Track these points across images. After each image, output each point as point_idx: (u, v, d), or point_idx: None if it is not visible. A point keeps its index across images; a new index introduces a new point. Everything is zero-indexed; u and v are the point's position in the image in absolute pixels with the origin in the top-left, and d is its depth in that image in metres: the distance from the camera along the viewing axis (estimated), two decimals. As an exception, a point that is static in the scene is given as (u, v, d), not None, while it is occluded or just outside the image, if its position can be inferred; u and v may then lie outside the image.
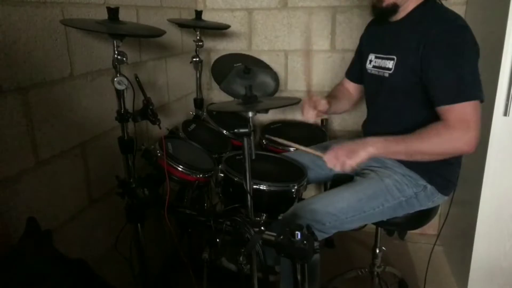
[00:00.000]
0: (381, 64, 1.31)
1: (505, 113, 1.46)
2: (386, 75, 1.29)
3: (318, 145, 1.66)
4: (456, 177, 1.32)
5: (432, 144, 1.14)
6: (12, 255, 0.81)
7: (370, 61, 1.38)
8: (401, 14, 1.26)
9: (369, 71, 1.39)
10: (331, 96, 1.56)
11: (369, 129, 1.44)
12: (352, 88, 1.59)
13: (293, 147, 1.43)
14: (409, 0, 1.23)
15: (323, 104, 1.38)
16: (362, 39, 1.52)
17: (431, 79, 1.16)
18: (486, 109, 1.49)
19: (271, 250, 1.03)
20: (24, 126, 1.05)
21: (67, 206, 1.23)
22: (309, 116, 1.38)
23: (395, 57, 1.26)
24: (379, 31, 1.36)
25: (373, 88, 1.39)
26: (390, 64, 1.27)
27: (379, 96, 1.35)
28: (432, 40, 1.14)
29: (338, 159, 1.18)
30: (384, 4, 1.24)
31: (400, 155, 1.22)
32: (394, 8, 1.24)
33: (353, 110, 2.12)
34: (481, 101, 1.13)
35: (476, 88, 1.12)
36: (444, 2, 1.25)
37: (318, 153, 1.27)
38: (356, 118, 2.14)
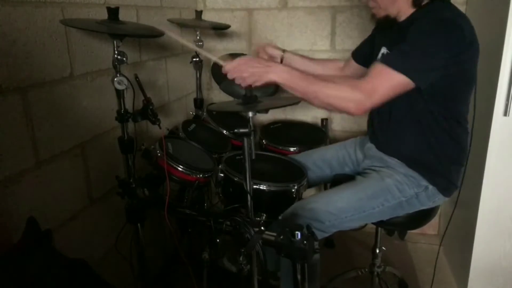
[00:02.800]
0: None
1: (505, 113, 1.46)
2: None
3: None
4: (459, 178, 1.31)
5: (329, 91, 1.12)
6: (12, 255, 0.81)
7: (382, 54, 1.37)
8: (403, 17, 1.26)
9: None
10: (308, 58, 1.56)
11: (375, 125, 1.43)
12: (351, 69, 1.55)
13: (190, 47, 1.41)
14: (401, 8, 1.23)
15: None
16: (377, 27, 1.47)
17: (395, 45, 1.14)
18: (486, 109, 1.49)
19: (272, 254, 1.03)
20: (24, 126, 1.05)
21: (67, 206, 1.23)
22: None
23: None
24: (390, 27, 1.35)
25: None
26: None
27: None
28: (415, 26, 1.13)
29: (240, 73, 1.13)
30: (378, 16, 1.28)
31: (297, 91, 1.15)
32: (388, 19, 1.26)
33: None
34: (415, 88, 1.09)
35: (413, 68, 1.08)
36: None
37: (219, 61, 1.21)
38: (356, 118, 2.13)
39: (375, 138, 1.43)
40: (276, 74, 1.13)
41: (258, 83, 1.13)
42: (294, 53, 1.54)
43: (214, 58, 1.26)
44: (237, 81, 1.15)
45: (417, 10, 1.23)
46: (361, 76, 1.51)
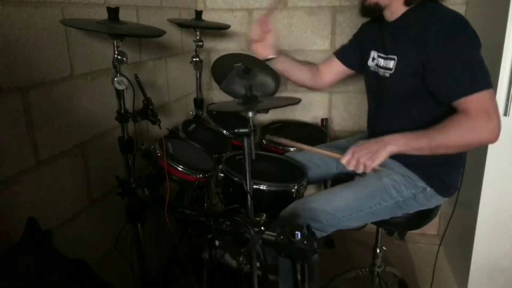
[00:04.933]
0: (383, 64, 1.31)
1: (505, 113, 1.46)
2: (387, 75, 1.28)
3: (328, 144, 1.67)
4: (458, 180, 1.31)
5: (456, 135, 1.11)
6: (12, 255, 0.81)
7: (373, 58, 1.36)
8: (394, 15, 1.25)
9: (371, 68, 1.37)
10: (294, 59, 1.52)
11: (376, 129, 1.43)
12: (331, 69, 1.54)
13: (306, 150, 1.34)
14: (394, 3, 1.22)
15: (272, 34, 1.31)
16: (363, 29, 1.48)
17: (440, 75, 1.13)
18: (486, 109, 1.49)
19: (271, 251, 1.02)
20: (24, 126, 1.05)
21: (67, 206, 1.23)
22: (253, 33, 1.32)
23: (395, 58, 1.25)
24: (381, 29, 1.35)
25: (374, 86, 1.39)
26: (391, 64, 1.27)
27: (384, 96, 1.34)
28: (433, 38, 1.12)
29: (359, 160, 1.15)
30: (367, 2, 1.25)
31: (423, 151, 1.15)
32: (377, 7, 1.24)
33: (353, 110, 2.13)
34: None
35: (488, 76, 1.10)
36: (444, 3, 1.24)
37: (335, 154, 1.23)
38: (356, 118, 2.14)
39: (374, 138, 1.43)
40: (393, 145, 1.14)
41: (379, 161, 1.13)
42: (286, 55, 1.46)
43: (329, 154, 1.27)
44: (359, 171, 1.16)
45: (408, 11, 1.22)
46: (333, 79, 1.54)
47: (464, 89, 1.10)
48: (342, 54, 1.55)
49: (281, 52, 1.42)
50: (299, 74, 1.53)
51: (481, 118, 1.08)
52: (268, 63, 1.44)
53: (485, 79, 1.10)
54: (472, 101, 1.09)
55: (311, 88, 1.62)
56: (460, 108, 1.12)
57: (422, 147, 1.13)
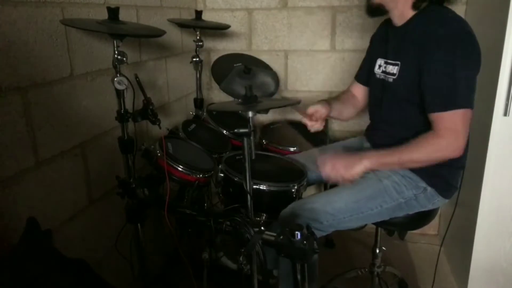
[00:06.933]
0: (387, 69, 1.31)
1: (505, 113, 1.46)
2: (391, 80, 1.28)
3: (328, 145, 1.69)
4: (458, 180, 1.32)
5: (422, 153, 1.18)
6: (12, 255, 0.81)
7: (380, 66, 1.37)
8: (402, 20, 1.25)
9: (377, 75, 1.38)
10: (335, 98, 1.55)
11: (374, 135, 1.44)
12: (360, 92, 1.56)
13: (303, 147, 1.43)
14: (400, 5, 1.23)
15: (321, 111, 1.40)
16: (372, 41, 1.50)
17: (426, 85, 1.15)
18: (486, 109, 1.49)
19: (270, 253, 1.02)
20: (24, 126, 1.05)
21: (67, 206, 1.23)
22: (316, 127, 1.43)
23: (399, 63, 1.25)
24: (387, 35, 1.35)
25: (377, 92, 1.39)
26: (395, 69, 1.27)
27: (384, 102, 1.34)
28: (433, 46, 1.12)
29: (336, 171, 1.21)
30: (370, 2, 1.28)
31: (393, 166, 1.25)
32: (380, 8, 1.26)
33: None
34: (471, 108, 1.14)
35: (468, 96, 1.12)
36: (446, 4, 1.23)
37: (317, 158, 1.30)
38: (356, 118, 2.12)
39: (372, 140, 1.43)
40: (368, 160, 1.20)
41: (355, 173, 1.19)
42: (318, 102, 1.47)
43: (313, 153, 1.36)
44: (334, 180, 1.23)
45: (416, 16, 1.22)
46: (366, 99, 1.54)
47: (440, 105, 1.13)
48: (359, 77, 1.56)
49: (327, 103, 1.45)
50: (347, 113, 1.56)
51: (448, 137, 1.13)
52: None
53: (465, 99, 1.11)
54: (443, 118, 1.13)
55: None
56: (432, 122, 1.16)
57: (393, 162, 1.22)
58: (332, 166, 1.22)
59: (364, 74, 1.52)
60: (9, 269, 0.76)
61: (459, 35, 1.12)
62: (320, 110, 1.40)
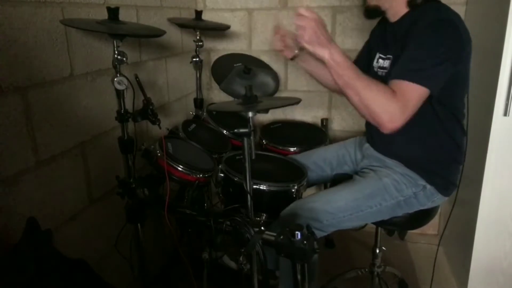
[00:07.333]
0: (382, 64, 1.32)
1: (505, 113, 1.46)
2: (384, 74, 1.29)
3: (328, 146, 1.68)
4: (457, 178, 1.32)
5: (370, 94, 1.10)
6: (12, 255, 0.81)
7: (377, 60, 1.37)
8: (396, 16, 1.26)
9: (375, 69, 1.38)
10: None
11: (372, 131, 1.43)
12: None
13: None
14: (394, 4, 1.23)
15: (291, 42, 1.42)
16: (372, 34, 1.51)
17: (401, 58, 1.14)
18: (486, 109, 1.49)
19: (271, 253, 1.02)
20: (24, 126, 1.05)
21: (67, 206, 1.23)
22: (278, 47, 1.44)
23: (391, 57, 1.27)
24: (384, 31, 1.36)
25: None
26: (386, 63, 1.28)
27: None
28: (417, 29, 1.13)
29: (312, 29, 1.10)
30: (367, 3, 1.29)
31: (339, 79, 1.13)
32: (377, 9, 1.27)
33: (353, 110, 2.13)
34: (430, 96, 1.11)
35: (435, 80, 1.09)
36: (444, 1, 1.23)
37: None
38: (356, 118, 2.14)
39: (372, 138, 1.43)
40: (333, 53, 1.10)
41: (312, 47, 1.11)
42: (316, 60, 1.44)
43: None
44: (301, 32, 1.11)
45: (410, 12, 1.22)
46: None
47: (405, 74, 1.09)
48: (357, 64, 1.54)
49: (309, 56, 1.44)
50: (325, 74, 1.49)
51: (398, 104, 1.07)
52: (296, 62, 1.51)
53: (429, 78, 1.08)
54: (401, 86, 1.09)
55: (334, 91, 1.64)
56: (392, 87, 1.11)
57: (343, 75, 1.12)
58: (312, 30, 1.10)
59: (360, 63, 1.50)
60: (9, 269, 0.76)
61: (443, 21, 1.11)
62: (291, 40, 1.41)
